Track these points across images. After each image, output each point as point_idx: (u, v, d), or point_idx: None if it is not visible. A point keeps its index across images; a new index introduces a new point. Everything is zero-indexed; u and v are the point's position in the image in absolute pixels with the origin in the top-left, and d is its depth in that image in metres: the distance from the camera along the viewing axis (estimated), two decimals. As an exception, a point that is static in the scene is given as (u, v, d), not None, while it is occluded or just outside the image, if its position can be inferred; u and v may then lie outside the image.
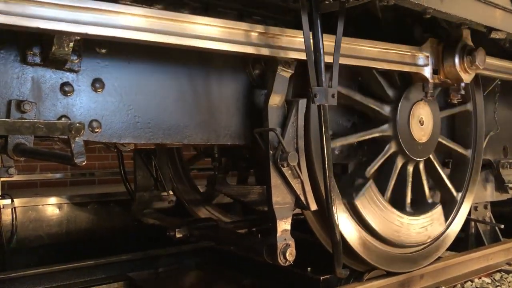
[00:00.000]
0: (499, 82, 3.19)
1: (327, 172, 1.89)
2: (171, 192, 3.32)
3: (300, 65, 1.93)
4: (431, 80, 2.43)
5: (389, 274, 2.45)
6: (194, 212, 3.38)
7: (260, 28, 1.79)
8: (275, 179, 1.91)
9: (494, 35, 2.40)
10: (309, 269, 2.52)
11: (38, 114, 1.53)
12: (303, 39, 1.79)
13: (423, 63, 2.41)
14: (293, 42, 1.87)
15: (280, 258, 1.90)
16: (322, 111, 1.86)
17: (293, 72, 1.93)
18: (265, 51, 1.80)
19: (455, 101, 2.63)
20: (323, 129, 1.87)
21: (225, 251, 3.08)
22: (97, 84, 1.64)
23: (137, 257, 3.04)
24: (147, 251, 3.10)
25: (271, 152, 1.90)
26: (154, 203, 3.26)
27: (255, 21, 1.99)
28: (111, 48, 1.65)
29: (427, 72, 2.42)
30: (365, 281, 2.38)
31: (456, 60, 2.45)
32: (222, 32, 1.69)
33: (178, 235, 2.56)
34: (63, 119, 1.57)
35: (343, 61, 1.98)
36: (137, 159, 3.13)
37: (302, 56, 1.84)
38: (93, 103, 1.63)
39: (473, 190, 2.94)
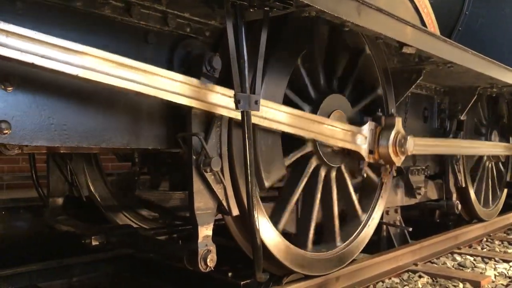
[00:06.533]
0: (409, 94, 3.41)
1: (249, 178, 1.91)
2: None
3: (224, 70, 1.93)
4: (366, 159, 2.70)
5: (307, 277, 2.52)
6: (112, 219, 3.26)
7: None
8: (197, 185, 1.90)
9: (405, 50, 2.56)
10: (229, 274, 2.53)
11: None
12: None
13: (361, 143, 2.68)
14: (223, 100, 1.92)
15: (201, 264, 1.88)
16: (245, 117, 1.88)
17: (217, 77, 1.94)
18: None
19: (384, 181, 2.93)
20: (246, 134, 1.89)
21: (143, 258, 3.00)
22: (7, 82, 1.53)
23: (49, 267, 2.85)
24: (60, 259, 2.93)
25: (194, 157, 1.88)
26: (69, 209, 3.10)
27: (180, 24, 1.98)
28: (24, 45, 1.55)
29: (363, 151, 2.68)
30: (284, 284, 2.42)
31: (390, 144, 2.74)
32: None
33: (94, 243, 2.45)
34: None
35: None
36: (50, 163, 2.96)
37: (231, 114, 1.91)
38: (2, 102, 1.52)
39: (385, 196, 3.11)
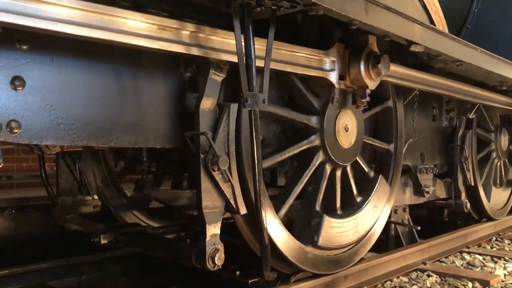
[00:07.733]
0: (417, 93, 3.40)
1: (257, 176, 1.91)
2: (96, 197, 3.20)
3: (231, 69, 1.94)
4: (336, 86, 2.40)
5: (315, 275, 2.52)
6: (121, 217, 3.28)
7: (192, 27, 1.78)
8: (205, 183, 1.90)
9: (413, 48, 2.55)
10: (237, 272, 2.54)
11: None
12: (235, 43, 1.80)
13: (329, 68, 2.37)
14: (226, 44, 1.87)
15: (209, 263, 1.89)
16: (253, 116, 1.88)
17: (225, 76, 1.94)
18: (196, 51, 1.79)
19: (362, 107, 2.62)
20: (254, 133, 1.89)
21: (152, 257, 3.01)
22: (16, 82, 1.54)
23: (58, 265, 2.88)
24: (69, 258, 2.95)
25: (202, 156, 1.89)
26: (78, 208, 3.13)
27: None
28: (33, 44, 1.57)
29: (333, 77, 2.39)
30: (292, 283, 2.42)
31: (362, 66, 2.42)
32: (152, 29, 1.66)
33: (103, 241, 2.47)
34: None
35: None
36: (60, 162, 2.99)
37: (234, 58, 1.85)
38: (12, 102, 1.54)
39: (396, 185, 3.10)
